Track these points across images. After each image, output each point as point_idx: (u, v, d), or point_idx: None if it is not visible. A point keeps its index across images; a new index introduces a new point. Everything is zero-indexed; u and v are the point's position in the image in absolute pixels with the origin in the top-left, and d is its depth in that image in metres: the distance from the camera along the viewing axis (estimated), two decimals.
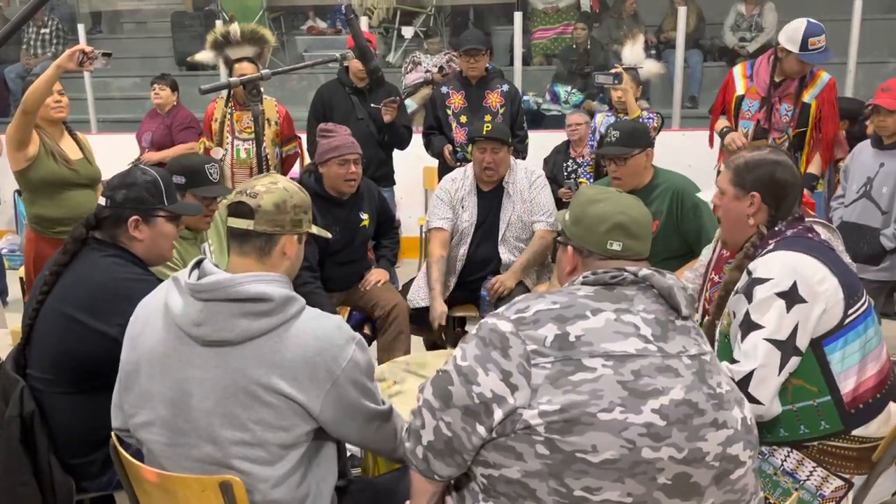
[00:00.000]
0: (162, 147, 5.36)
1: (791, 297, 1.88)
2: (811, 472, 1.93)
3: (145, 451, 1.72)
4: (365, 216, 3.49)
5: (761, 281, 1.92)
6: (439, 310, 3.40)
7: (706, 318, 2.25)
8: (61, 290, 2.06)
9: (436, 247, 3.58)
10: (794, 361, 1.89)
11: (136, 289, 1.95)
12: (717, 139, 4.12)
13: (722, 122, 4.06)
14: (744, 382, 1.85)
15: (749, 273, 1.97)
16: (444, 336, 3.51)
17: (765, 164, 2.07)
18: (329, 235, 2.09)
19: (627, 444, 1.31)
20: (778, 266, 1.93)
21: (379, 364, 3.06)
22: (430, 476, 1.47)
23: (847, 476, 1.94)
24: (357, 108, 4.40)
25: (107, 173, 3.98)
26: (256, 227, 1.68)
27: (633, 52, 5.00)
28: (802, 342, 1.89)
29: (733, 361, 1.92)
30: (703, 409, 1.36)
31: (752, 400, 1.85)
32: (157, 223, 2.15)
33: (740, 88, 3.98)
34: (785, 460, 1.95)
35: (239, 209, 1.70)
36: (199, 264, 1.68)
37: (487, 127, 3.49)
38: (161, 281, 2.02)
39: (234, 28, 4.54)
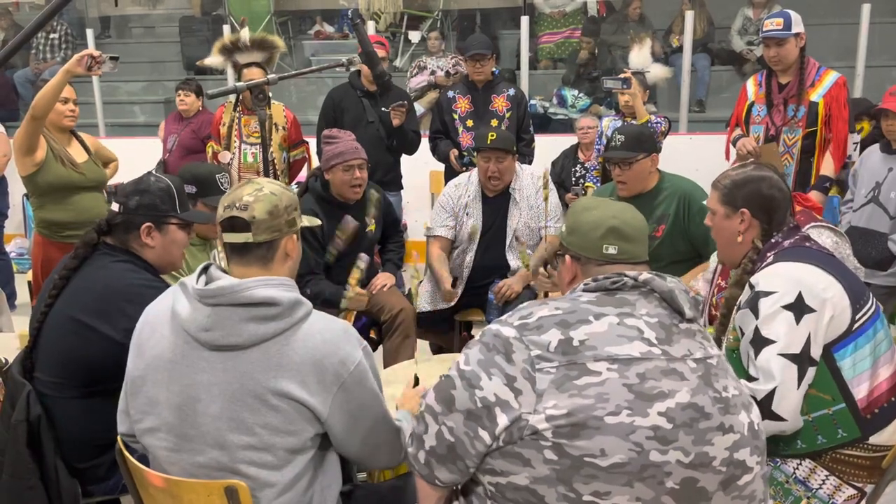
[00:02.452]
0: (190, 150, 5.39)
1: (799, 308, 1.87)
2: (824, 480, 1.92)
3: (150, 458, 1.72)
4: (371, 220, 3.50)
5: (765, 294, 1.91)
6: (449, 288, 3.40)
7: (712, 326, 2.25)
8: (71, 294, 2.07)
9: (435, 249, 3.59)
10: (811, 372, 1.88)
11: (146, 295, 1.94)
12: (732, 151, 4.11)
13: (737, 132, 4.07)
14: (766, 401, 1.84)
15: (752, 287, 1.96)
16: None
17: (751, 180, 2.08)
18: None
19: (635, 447, 1.30)
20: (781, 278, 1.92)
21: (384, 368, 3.06)
22: (433, 482, 1.47)
23: (860, 485, 1.93)
24: (368, 112, 4.41)
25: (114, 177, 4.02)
26: (256, 238, 1.67)
27: (640, 56, 5.00)
28: (816, 352, 1.88)
29: (749, 378, 1.90)
30: (710, 413, 1.36)
31: (776, 417, 1.85)
32: (169, 230, 2.16)
33: (751, 96, 3.98)
34: (797, 468, 1.94)
35: (233, 224, 1.67)
36: (205, 270, 1.69)
37: (492, 135, 3.48)
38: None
39: (244, 35, 4.55)
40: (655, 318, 1.42)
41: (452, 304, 3.49)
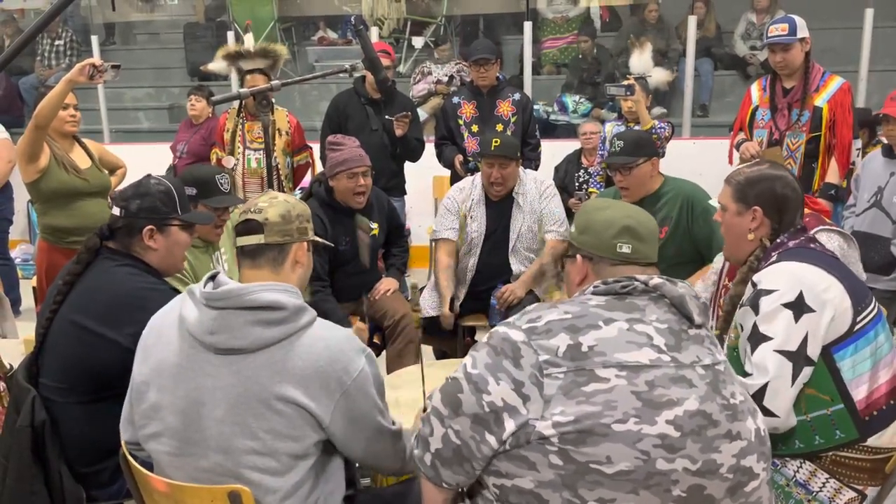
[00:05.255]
0: (199, 156, 5.40)
1: (798, 307, 1.87)
2: (824, 483, 1.92)
3: (154, 463, 1.72)
4: (374, 225, 3.50)
5: (767, 292, 1.91)
6: (448, 315, 3.39)
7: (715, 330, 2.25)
8: (75, 299, 2.07)
9: (442, 256, 3.58)
10: (807, 371, 1.88)
11: (150, 298, 1.96)
12: (736, 155, 4.12)
13: (740, 137, 4.07)
14: (758, 396, 1.84)
15: (754, 285, 1.96)
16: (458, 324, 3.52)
17: (765, 179, 2.08)
18: (331, 245, 2.12)
19: (642, 455, 1.30)
20: (783, 277, 1.92)
21: (388, 373, 3.07)
22: (439, 483, 1.47)
23: (860, 487, 1.92)
24: (372, 119, 4.41)
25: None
26: (267, 239, 1.72)
27: (641, 60, 5.00)
28: (814, 351, 1.88)
29: (745, 375, 1.90)
30: (718, 420, 1.35)
31: (768, 413, 1.84)
32: (171, 232, 2.17)
33: (755, 100, 3.99)
34: (797, 471, 1.93)
35: (247, 227, 1.73)
36: (213, 278, 1.70)
37: (496, 141, 3.48)
38: (175, 291, 2.04)
39: (248, 41, 4.57)
40: (665, 324, 1.41)
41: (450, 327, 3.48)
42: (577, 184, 5.53)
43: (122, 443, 1.79)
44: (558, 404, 1.32)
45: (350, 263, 3.44)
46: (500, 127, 4.35)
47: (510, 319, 1.46)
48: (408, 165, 4.68)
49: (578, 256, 1.61)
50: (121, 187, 3.87)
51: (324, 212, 3.35)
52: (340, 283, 3.42)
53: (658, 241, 1.63)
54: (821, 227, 2.54)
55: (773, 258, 2.01)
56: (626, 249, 1.55)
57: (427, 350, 3.67)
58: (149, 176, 2.22)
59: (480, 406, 1.37)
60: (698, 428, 1.33)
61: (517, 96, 4.47)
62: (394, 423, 1.74)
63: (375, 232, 3.52)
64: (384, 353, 3.47)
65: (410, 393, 2.60)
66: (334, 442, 1.66)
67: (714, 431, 1.35)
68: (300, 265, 1.78)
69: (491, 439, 1.36)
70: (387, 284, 3.57)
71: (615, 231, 1.56)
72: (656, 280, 1.46)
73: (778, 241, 2.06)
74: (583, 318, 1.39)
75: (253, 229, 1.72)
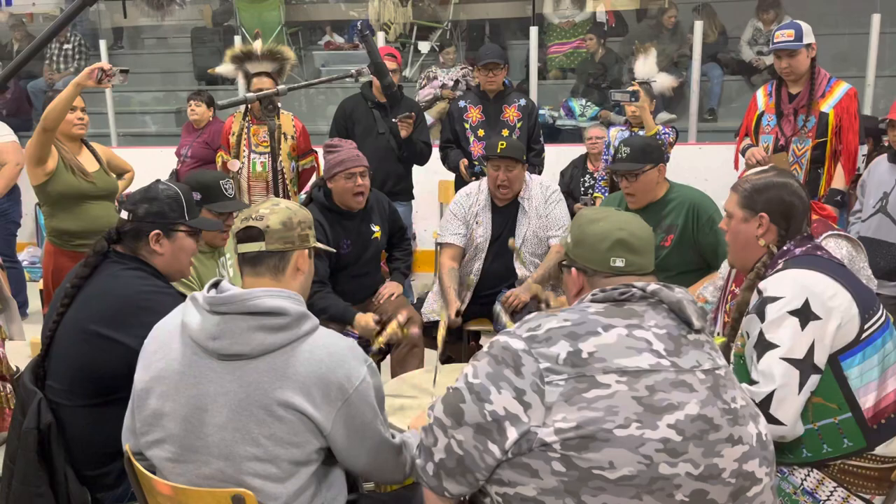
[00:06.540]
0: (202, 160, 5.42)
1: (805, 314, 1.87)
2: (831, 492, 1.91)
3: (156, 470, 1.72)
4: (376, 228, 3.51)
5: (773, 299, 1.91)
6: (454, 310, 3.40)
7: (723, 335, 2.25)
8: (82, 302, 2.08)
9: (446, 259, 3.59)
10: (814, 379, 1.87)
11: (156, 301, 1.98)
12: (741, 161, 4.12)
13: (746, 142, 4.08)
14: (764, 404, 1.83)
15: (760, 292, 1.96)
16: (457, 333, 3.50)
17: (772, 186, 2.08)
18: (333, 250, 2.11)
19: (644, 459, 1.30)
20: (789, 284, 1.92)
21: (392, 378, 3.07)
22: (441, 493, 1.47)
23: (867, 496, 1.91)
24: (378, 123, 4.43)
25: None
26: (268, 246, 1.72)
27: (645, 65, 5.00)
28: (821, 359, 1.88)
29: (751, 382, 1.90)
30: (719, 425, 1.36)
31: (774, 421, 1.83)
32: (177, 238, 2.18)
33: (761, 105, 4.00)
34: (805, 479, 1.93)
35: (248, 234, 1.73)
36: (216, 284, 1.71)
37: (503, 143, 3.49)
38: (181, 294, 2.05)
39: (257, 45, 4.59)
40: (664, 330, 1.42)
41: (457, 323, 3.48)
42: (582, 189, 5.53)
43: (126, 448, 1.79)
44: (560, 411, 1.32)
45: (352, 266, 3.45)
46: (505, 132, 4.36)
47: (510, 328, 1.47)
48: (413, 169, 4.69)
49: (573, 269, 1.62)
50: (128, 191, 3.91)
51: (323, 216, 3.35)
52: (343, 287, 3.43)
53: (654, 249, 1.62)
54: (829, 232, 2.54)
55: (780, 266, 2.01)
56: (619, 263, 1.55)
57: (430, 354, 3.66)
58: (158, 181, 2.24)
59: (482, 415, 1.37)
60: (700, 432, 1.34)
61: (523, 102, 4.48)
62: (394, 437, 1.74)
63: (377, 234, 3.52)
64: (388, 357, 3.47)
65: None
66: (336, 452, 1.66)
67: (715, 436, 1.35)
68: (301, 272, 1.78)
69: (494, 449, 1.36)
70: (391, 288, 3.58)
71: (608, 245, 1.55)
72: (654, 286, 1.47)
73: (785, 248, 2.05)
74: (582, 325, 1.40)
75: (254, 236, 1.72)
